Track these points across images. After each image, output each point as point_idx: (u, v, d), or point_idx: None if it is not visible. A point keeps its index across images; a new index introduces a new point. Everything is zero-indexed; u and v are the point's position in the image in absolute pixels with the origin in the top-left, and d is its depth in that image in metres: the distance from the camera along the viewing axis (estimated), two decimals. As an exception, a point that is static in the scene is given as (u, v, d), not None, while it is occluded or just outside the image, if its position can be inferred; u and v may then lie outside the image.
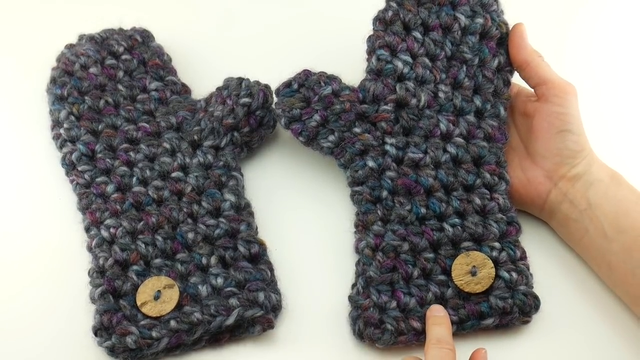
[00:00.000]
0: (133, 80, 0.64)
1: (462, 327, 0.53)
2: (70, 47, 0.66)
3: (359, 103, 0.59)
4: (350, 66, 0.61)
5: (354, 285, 0.56)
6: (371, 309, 0.53)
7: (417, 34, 0.59)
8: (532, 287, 0.54)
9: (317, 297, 0.57)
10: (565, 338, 0.55)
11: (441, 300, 0.54)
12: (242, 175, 0.61)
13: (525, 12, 0.65)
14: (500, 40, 0.60)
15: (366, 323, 0.53)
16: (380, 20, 0.60)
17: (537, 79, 0.58)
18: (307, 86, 0.59)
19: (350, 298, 0.55)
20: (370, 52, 0.60)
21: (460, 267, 0.54)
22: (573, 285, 0.57)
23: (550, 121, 0.57)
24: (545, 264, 0.58)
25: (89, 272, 0.55)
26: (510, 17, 0.61)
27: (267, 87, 0.62)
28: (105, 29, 0.67)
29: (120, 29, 0.68)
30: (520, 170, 0.59)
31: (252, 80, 0.62)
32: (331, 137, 0.58)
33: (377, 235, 0.56)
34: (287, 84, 0.60)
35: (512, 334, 0.55)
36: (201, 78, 0.67)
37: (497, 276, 0.54)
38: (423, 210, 0.56)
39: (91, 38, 0.66)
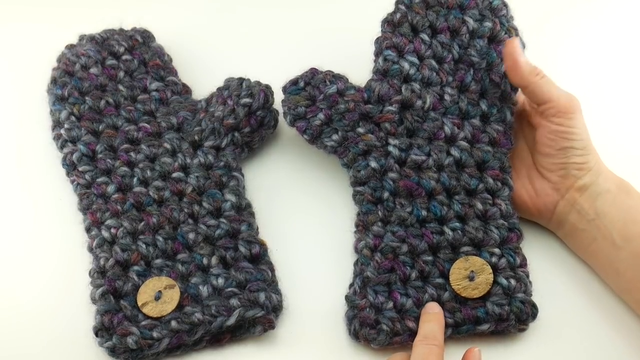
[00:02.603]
0: (134, 80, 0.64)
1: (458, 331, 0.53)
2: (70, 47, 0.66)
3: (364, 103, 0.59)
4: (359, 69, 0.61)
5: (351, 285, 0.56)
6: (367, 309, 0.53)
7: (425, 36, 0.59)
8: (531, 294, 0.54)
9: (318, 297, 0.57)
10: (564, 347, 0.55)
11: (438, 302, 0.54)
12: (242, 175, 0.61)
13: (531, 16, 0.65)
14: None
15: (362, 323, 0.53)
16: (389, 22, 0.60)
17: (538, 100, 0.57)
18: (313, 84, 0.59)
19: (346, 298, 0.55)
20: (378, 53, 0.60)
21: (458, 272, 0.54)
22: (574, 294, 0.57)
23: (552, 138, 0.56)
24: (547, 272, 0.58)
25: (89, 273, 0.55)
26: (518, 22, 0.61)
27: (267, 87, 0.62)
28: (106, 29, 0.67)
29: (121, 29, 0.68)
30: (528, 181, 0.59)
31: (252, 80, 0.62)
32: (335, 136, 0.58)
33: (376, 235, 0.56)
34: (294, 82, 0.60)
35: (509, 341, 0.55)
36: (202, 78, 0.67)
37: (495, 282, 0.54)
38: (424, 212, 0.56)
39: (92, 38, 0.66)
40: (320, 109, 0.58)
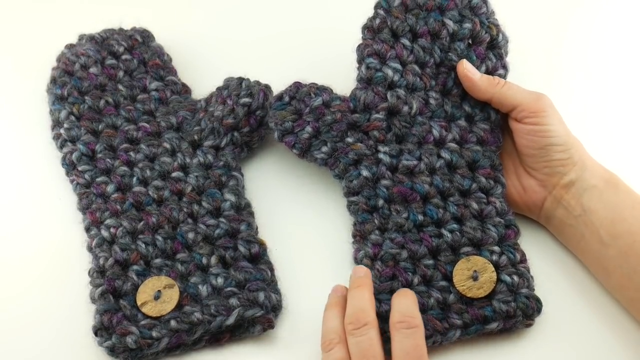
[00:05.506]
0: (133, 80, 0.64)
1: (467, 332, 0.53)
2: (70, 47, 0.67)
3: (350, 113, 0.59)
4: (349, 71, 0.61)
5: None
6: None
7: (406, 41, 0.59)
8: (534, 289, 0.54)
9: (318, 297, 0.56)
10: (567, 340, 0.55)
11: (444, 305, 0.53)
12: (242, 175, 0.61)
13: (521, 11, 0.65)
14: (491, 44, 0.60)
15: None
16: (369, 29, 0.60)
17: (505, 108, 0.57)
18: (298, 98, 0.59)
19: None
20: (360, 60, 0.60)
21: (461, 273, 0.54)
22: (573, 287, 0.57)
23: (530, 139, 0.56)
24: (545, 266, 0.58)
25: (89, 272, 0.55)
26: (507, 16, 0.61)
27: (267, 87, 0.62)
28: (106, 29, 0.68)
29: (121, 29, 0.68)
30: (516, 178, 0.59)
31: (252, 80, 0.62)
32: (324, 148, 0.58)
33: (375, 244, 0.56)
34: (279, 97, 0.60)
35: (515, 337, 0.55)
36: (201, 78, 0.67)
37: (499, 280, 0.54)
38: (420, 217, 0.56)
39: (91, 38, 0.66)
40: (308, 122, 0.58)
